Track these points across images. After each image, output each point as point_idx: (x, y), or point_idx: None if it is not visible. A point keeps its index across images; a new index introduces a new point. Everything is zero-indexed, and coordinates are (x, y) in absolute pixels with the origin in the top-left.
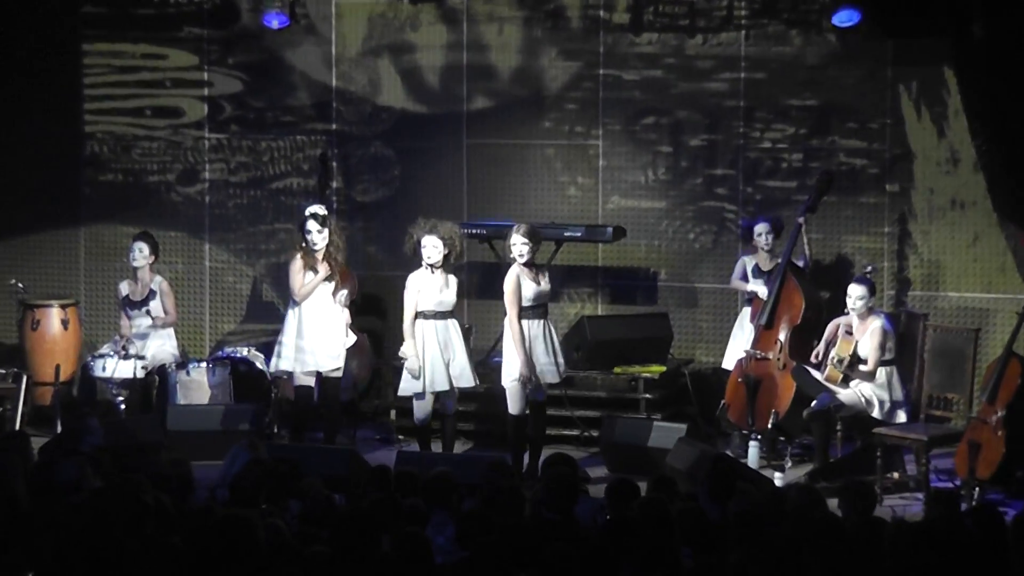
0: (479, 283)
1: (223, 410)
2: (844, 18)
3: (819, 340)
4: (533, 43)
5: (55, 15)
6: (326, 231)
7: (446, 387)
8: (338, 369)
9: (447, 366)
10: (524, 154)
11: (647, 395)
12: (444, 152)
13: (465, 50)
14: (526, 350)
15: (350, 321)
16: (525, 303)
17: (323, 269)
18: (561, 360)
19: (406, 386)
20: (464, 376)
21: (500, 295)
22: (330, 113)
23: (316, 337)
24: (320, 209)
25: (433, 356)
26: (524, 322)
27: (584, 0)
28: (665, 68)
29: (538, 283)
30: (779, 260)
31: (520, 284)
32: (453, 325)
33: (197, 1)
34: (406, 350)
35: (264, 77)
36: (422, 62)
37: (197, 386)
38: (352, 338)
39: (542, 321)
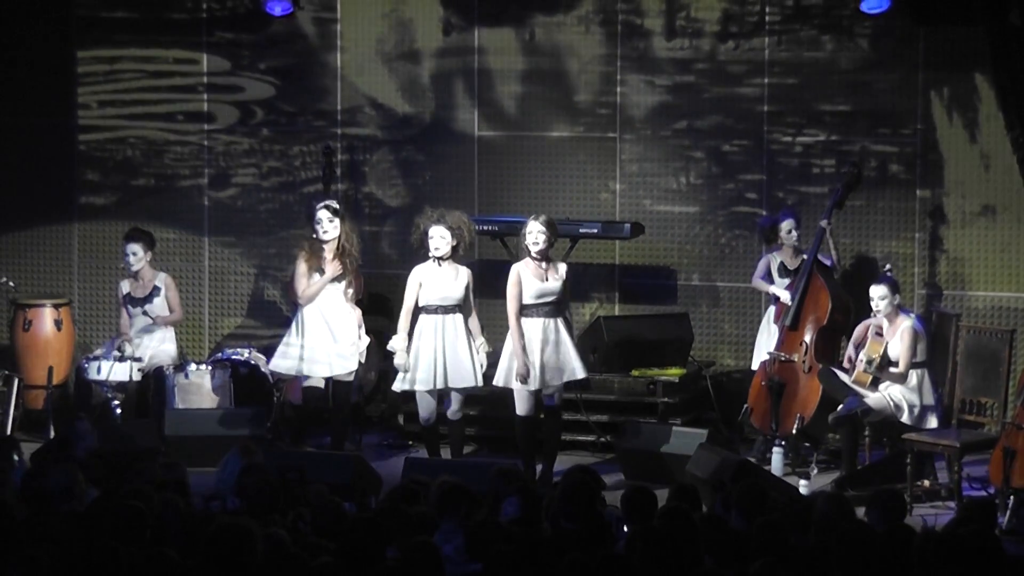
0: (489, 281)
1: (223, 414)
2: (873, 4)
3: (847, 342)
4: (564, 47)
5: (45, 15)
6: (337, 221)
7: (432, 386)
8: (350, 373)
9: (445, 365)
10: (544, 152)
11: (666, 399)
12: (457, 151)
13: (490, 54)
14: (523, 349)
15: (361, 322)
16: (527, 300)
17: (331, 269)
18: (573, 364)
19: (396, 383)
20: (463, 376)
21: (502, 294)
22: (360, 117)
23: (325, 339)
24: (333, 202)
25: (427, 353)
26: (524, 320)
27: (616, 5)
28: (697, 73)
29: (544, 279)
30: (804, 257)
31: (521, 281)
32: (456, 321)
33: (230, 6)
34: (394, 344)
35: (296, 82)
36: (447, 67)
37: (196, 389)
38: (366, 340)
39: (547, 320)
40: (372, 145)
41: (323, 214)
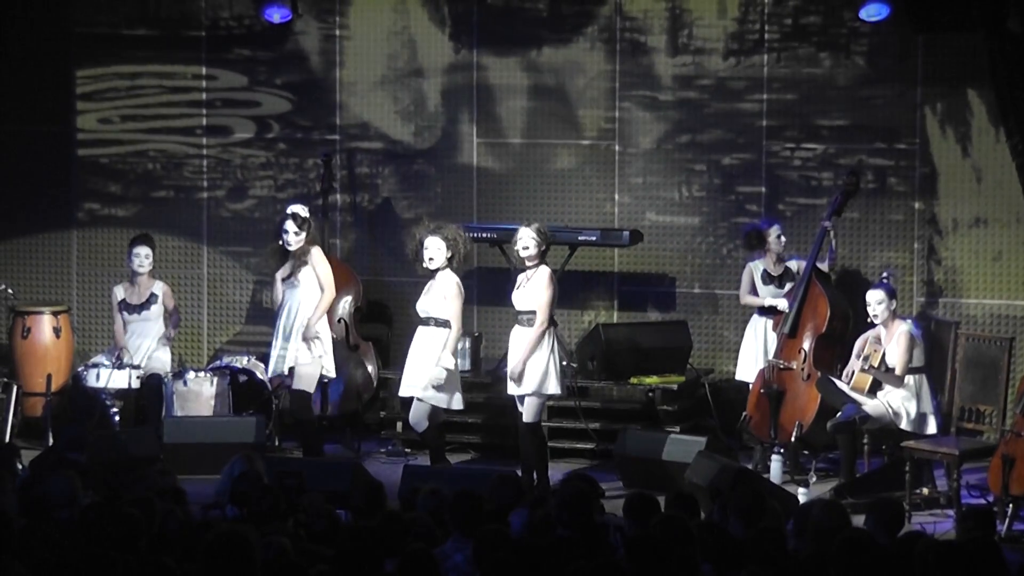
0: (489, 288)
1: (222, 422)
2: (872, 12)
3: (844, 350)
4: (569, 64)
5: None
6: (303, 234)
7: (404, 394)
8: (291, 376)
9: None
10: (547, 165)
11: (665, 407)
12: (460, 164)
13: (493, 70)
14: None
15: (313, 334)
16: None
17: (281, 270)
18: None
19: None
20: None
21: (508, 302)
22: (366, 131)
23: (275, 337)
24: (302, 210)
25: (411, 361)
26: (520, 328)
27: (621, 23)
28: (699, 89)
29: (521, 287)
30: (787, 264)
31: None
32: (423, 332)
33: (247, 24)
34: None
35: (306, 97)
36: (452, 82)
37: (194, 397)
38: (312, 352)
39: (523, 329)
40: (376, 157)
41: (289, 225)
